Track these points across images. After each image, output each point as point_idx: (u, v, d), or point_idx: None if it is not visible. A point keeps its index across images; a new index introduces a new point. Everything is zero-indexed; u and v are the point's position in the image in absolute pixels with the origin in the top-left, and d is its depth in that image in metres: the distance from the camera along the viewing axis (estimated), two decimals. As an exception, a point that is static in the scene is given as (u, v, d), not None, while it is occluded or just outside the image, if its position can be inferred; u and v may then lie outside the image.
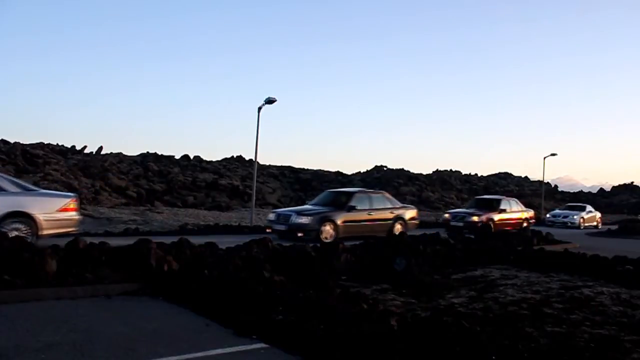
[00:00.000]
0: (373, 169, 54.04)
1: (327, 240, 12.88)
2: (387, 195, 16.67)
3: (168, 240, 9.40)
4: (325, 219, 13.77)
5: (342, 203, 14.74)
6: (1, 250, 7.07)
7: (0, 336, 4.80)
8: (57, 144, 39.07)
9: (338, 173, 50.82)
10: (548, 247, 13.47)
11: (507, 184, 55.88)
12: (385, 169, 53.45)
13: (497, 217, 19.46)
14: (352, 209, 14.49)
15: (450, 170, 59.08)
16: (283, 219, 14.02)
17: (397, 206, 16.24)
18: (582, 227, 24.69)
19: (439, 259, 10.07)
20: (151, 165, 39.11)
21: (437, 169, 58.09)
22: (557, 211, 29.29)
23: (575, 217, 26.82)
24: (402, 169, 53.39)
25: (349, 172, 52.22)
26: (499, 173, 61.51)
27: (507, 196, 23.68)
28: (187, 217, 20.87)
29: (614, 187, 61.99)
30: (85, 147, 40.21)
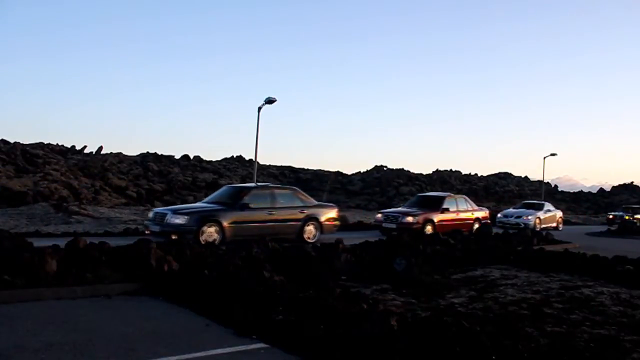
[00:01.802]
0: (373, 169, 54.06)
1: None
2: (299, 192, 14.52)
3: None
4: (207, 219, 11.72)
5: (234, 201, 12.67)
6: (1, 250, 7.07)
7: (0, 336, 4.80)
8: (57, 144, 39.13)
9: (338, 173, 50.84)
10: (548, 247, 13.46)
11: (507, 184, 55.90)
12: (385, 169, 53.47)
13: (437, 217, 17.18)
14: (245, 207, 12.38)
15: (450, 170, 59.11)
16: (159, 218, 11.99)
17: (310, 204, 13.98)
18: (538, 229, 21.01)
19: (439, 259, 10.07)
20: (151, 165, 39.14)
21: (437, 169, 58.16)
22: (509, 210, 25.88)
23: (529, 217, 23.02)
24: (402, 169, 53.45)
25: (349, 172, 52.26)
26: (499, 173, 61.52)
27: (466, 194, 21.35)
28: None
29: (614, 187, 62.00)
30: (85, 147, 40.30)
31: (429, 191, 45.57)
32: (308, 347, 4.65)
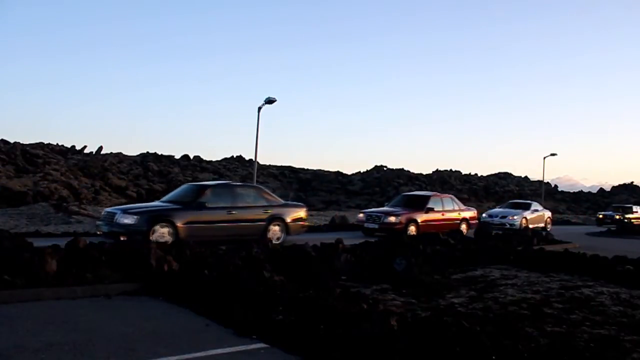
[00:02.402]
0: (373, 169, 54.08)
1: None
2: (264, 190, 13.80)
3: (168, 240, 9.41)
4: (158, 219, 10.99)
5: (191, 200, 11.95)
6: (1, 250, 7.07)
7: (0, 336, 4.80)
8: (57, 144, 39.14)
9: (338, 173, 50.85)
10: (548, 247, 13.47)
11: (507, 184, 55.93)
12: (385, 169, 53.49)
13: (421, 217, 16.64)
14: (202, 206, 11.65)
15: (450, 170, 59.13)
16: (109, 218, 11.32)
17: (276, 204, 13.23)
18: (524, 229, 20.14)
19: (439, 259, 10.07)
20: (151, 165, 39.15)
21: (437, 169, 58.19)
22: (494, 210, 24.96)
23: (515, 217, 22.00)
24: (402, 169, 53.48)
25: (349, 172, 52.27)
26: (499, 173, 61.56)
27: (451, 194, 20.48)
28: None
29: (613, 187, 62.03)
30: (85, 147, 40.31)
31: (429, 191, 45.63)
32: (308, 347, 4.65)
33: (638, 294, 7.70)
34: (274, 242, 11.71)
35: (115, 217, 11.02)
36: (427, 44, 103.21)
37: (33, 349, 4.48)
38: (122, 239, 10.17)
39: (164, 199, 13.32)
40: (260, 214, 12.58)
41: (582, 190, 63.82)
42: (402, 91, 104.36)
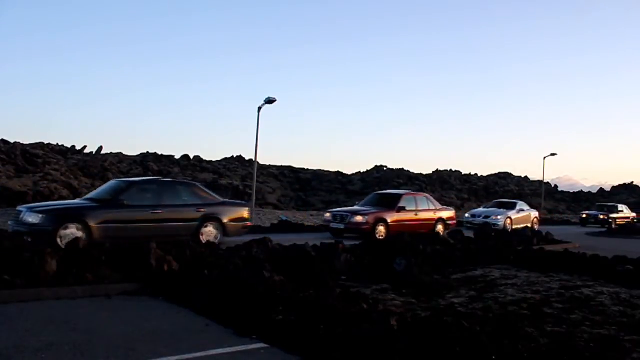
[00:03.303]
0: (373, 169, 54.05)
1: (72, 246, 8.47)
2: (199, 187, 12.77)
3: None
4: (67, 218, 10.13)
5: (110, 197, 11.05)
6: (1, 250, 7.07)
7: (0, 336, 4.80)
8: (57, 144, 39.10)
9: (338, 173, 50.83)
10: (548, 247, 13.47)
11: (507, 184, 55.93)
12: (385, 169, 53.46)
13: (391, 217, 15.75)
14: (120, 205, 10.74)
15: (450, 170, 59.08)
16: (16, 215, 10.65)
17: (211, 202, 12.16)
18: (509, 230, 19.33)
19: (439, 259, 10.07)
20: (151, 165, 39.14)
21: (437, 169, 58.11)
22: (478, 210, 24.03)
23: (499, 217, 21.12)
24: (402, 169, 53.43)
25: (349, 172, 52.24)
26: (499, 173, 61.52)
27: (430, 193, 19.87)
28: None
29: (614, 187, 61.99)
30: (85, 147, 40.26)
31: (428, 191, 45.63)
32: (308, 347, 4.65)
33: (638, 294, 7.69)
34: (211, 241, 10.96)
35: (21, 215, 10.30)
36: (427, 44, 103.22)
37: (33, 349, 4.48)
38: (27, 239, 9.11)
39: (86, 196, 12.57)
40: (191, 214, 11.62)
41: (582, 190, 63.82)
42: (402, 91, 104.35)
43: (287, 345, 4.75)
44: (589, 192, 62.34)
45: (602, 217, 29.84)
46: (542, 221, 24.75)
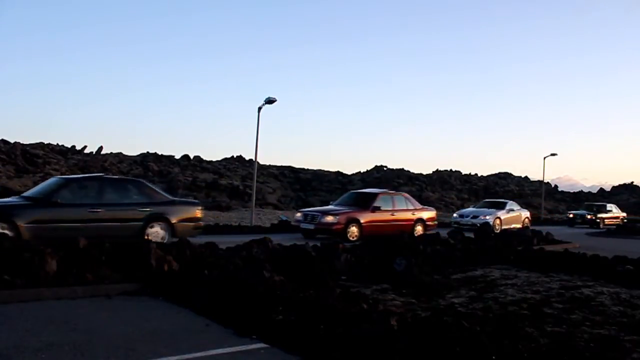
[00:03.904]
0: (373, 169, 54.06)
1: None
2: (146, 185, 12.08)
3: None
4: None
5: (45, 195, 10.50)
6: (1, 250, 7.07)
7: (0, 336, 4.80)
8: (57, 144, 39.11)
9: (338, 173, 50.83)
10: (548, 247, 13.48)
11: (507, 184, 55.92)
12: (385, 169, 53.46)
13: (365, 217, 15.06)
14: (53, 203, 10.15)
15: (450, 170, 59.07)
16: None
17: (158, 201, 11.40)
18: (497, 230, 18.68)
19: (439, 259, 10.07)
20: (151, 165, 39.15)
21: (437, 169, 58.09)
22: (466, 210, 23.45)
23: (487, 217, 20.55)
24: (402, 169, 53.41)
25: (349, 172, 52.23)
26: (499, 173, 61.52)
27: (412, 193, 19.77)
28: (187, 217, 20.81)
29: (614, 187, 61.98)
30: (85, 147, 40.25)
31: (428, 191, 45.55)
32: (308, 347, 4.65)
33: (638, 294, 7.70)
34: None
35: None
36: (427, 44, 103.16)
37: (33, 349, 4.48)
38: None
39: (24, 194, 11.93)
40: (134, 213, 10.90)
41: (582, 190, 63.80)
42: (402, 91, 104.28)
43: (287, 345, 4.75)
44: (589, 192, 62.33)
45: (589, 217, 28.91)
46: (532, 221, 24.16)
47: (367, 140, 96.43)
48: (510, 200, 26.15)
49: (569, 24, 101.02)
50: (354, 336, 4.70)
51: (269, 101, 19.74)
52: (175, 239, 10.33)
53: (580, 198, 57.63)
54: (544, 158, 36.11)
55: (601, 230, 26.31)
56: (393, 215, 15.92)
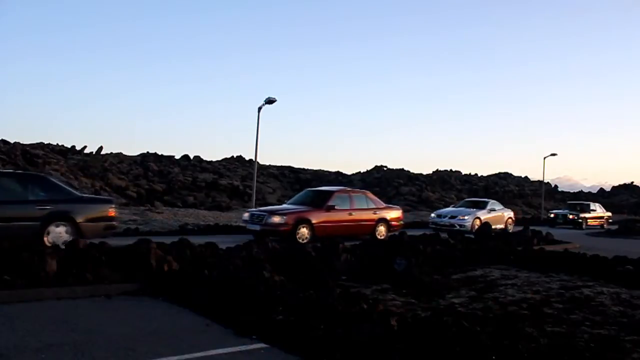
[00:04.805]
0: (373, 169, 54.09)
1: None
2: (51, 180, 11.11)
3: (168, 240, 9.42)
4: None
5: None
6: (1, 250, 7.07)
7: (0, 336, 4.80)
8: (57, 144, 39.07)
9: (338, 173, 50.84)
10: (548, 247, 13.47)
11: (507, 184, 55.91)
12: (385, 169, 53.48)
13: (317, 217, 13.92)
14: None
15: (450, 170, 59.08)
16: None
17: (62, 199, 10.33)
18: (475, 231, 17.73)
19: (439, 259, 10.07)
20: (151, 165, 39.17)
21: (437, 169, 58.10)
22: (445, 210, 22.20)
23: (466, 217, 19.27)
24: (402, 169, 53.43)
25: (349, 172, 52.25)
26: (499, 173, 61.51)
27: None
28: (187, 217, 20.88)
29: (614, 187, 62.03)
30: (85, 147, 40.19)
31: (428, 191, 45.55)
32: (308, 347, 4.65)
33: (638, 294, 7.70)
34: (60, 245, 8.92)
35: None
36: (428, 44, 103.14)
37: (33, 349, 4.48)
38: None
39: None
40: (31, 212, 9.81)
41: (582, 190, 63.79)
42: (402, 91, 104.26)
43: (287, 345, 4.75)
44: (589, 192, 62.35)
45: (571, 217, 27.29)
46: (515, 221, 22.69)
47: (367, 140, 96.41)
48: (493, 200, 24.44)
49: (569, 24, 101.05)
50: (354, 336, 4.70)
51: (269, 101, 19.76)
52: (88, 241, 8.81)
53: (580, 198, 57.63)
54: (544, 158, 36.12)
55: (600, 230, 26.15)
56: (351, 215, 14.82)
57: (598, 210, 28.99)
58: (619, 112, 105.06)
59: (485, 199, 23.64)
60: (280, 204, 17.40)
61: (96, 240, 8.48)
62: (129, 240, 8.85)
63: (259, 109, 20.10)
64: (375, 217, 15.44)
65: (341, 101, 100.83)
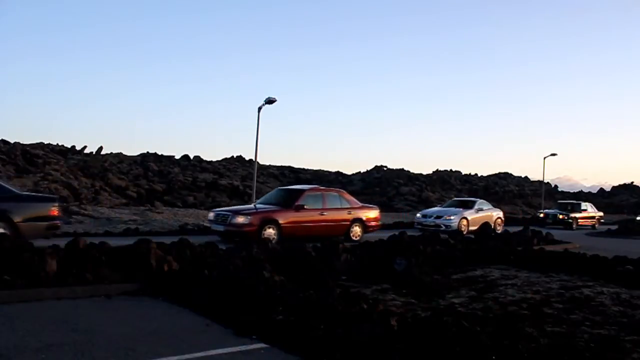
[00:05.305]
0: (373, 169, 54.04)
1: None
2: None
3: (168, 240, 9.41)
4: None
5: None
6: (1, 250, 7.07)
7: (0, 336, 4.80)
8: (57, 144, 39.06)
9: (338, 173, 50.84)
10: (548, 247, 13.48)
11: (507, 184, 55.89)
12: (385, 169, 53.44)
13: (285, 218, 13.31)
14: None
15: (450, 170, 59.06)
16: None
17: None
18: (464, 232, 17.45)
19: (439, 259, 10.08)
20: (151, 165, 39.15)
21: (437, 169, 58.06)
22: (431, 209, 21.58)
23: (452, 217, 18.75)
24: (402, 169, 53.40)
25: (349, 172, 52.24)
26: (499, 173, 61.48)
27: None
28: (187, 217, 20.87)
29: (614, 187, 62.00)
30: (85, 147, 40.18)
31: (428, 191, 45.53)
32: (308, 347, 4.65)
33: (638, 294, 7.70)
34: None
35: None
36: (427, 44, 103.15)
37: (33, 349, 4.48)
38: None
39: None
40: None
41: (582, 190, 63.77)
42: (402, 91, 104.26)
43: (287, 345, 4.75)
44: (589, 192, 62.36)
45: (561, 216, 26.52)
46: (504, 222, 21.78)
47: (367, 140, 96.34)
48: (482, 199, 23.73)
49: (569, 24, 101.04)
50: (354, 336, 4.70)
51: (269, 101, 19.77)
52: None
53: (580, 198, 57.61)
54: (544, 158, 36.16)
55: (601, 230, 26.06)
56: (322, 215, 14.13)
57: (589, 210, 28.41)
58: (619, 112, 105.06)
59: (474, 199, 23.03)
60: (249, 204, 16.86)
61: (96, 240, 8.49)
62: (129, 240, 8.86)
63: (259, 109, 20.11)
64: (349, 217, 14.82)
65: (341, 101, 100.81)
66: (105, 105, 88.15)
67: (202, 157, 45.73)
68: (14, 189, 10.36)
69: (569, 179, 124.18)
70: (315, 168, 51.96)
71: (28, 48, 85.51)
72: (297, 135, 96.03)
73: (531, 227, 17.32)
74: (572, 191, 62.64)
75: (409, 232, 12.82)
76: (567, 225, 25.94)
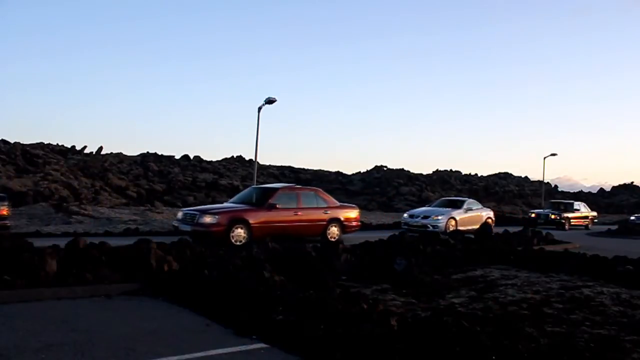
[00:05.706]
0: (373, 169, 54.04)
1: None
2: None
3: (168, 240, 9.42)
4: None
5: None
6: (1, 250, 7.07)
7: (0, 336, 4.80)
8: (57, 144, 39.09)
9: (338, 173, 50.85)
10: (548, 247, 13.47)
11: (507, 184, 55.91)
12: (385, 169, 53.45)
13: (256, 217, 12.69)
14: None
15: (450, 170, 59.06)
16: None
17: None
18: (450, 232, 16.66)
19: (439, 259, 10.07)
20: (151, 165, 39.16)
21: (437, 169, 58.08)
22: (418, 209, 20.81)
23: (439, 217, 18.06)
24: (402, 169, 53.41)
25: (349, 172, 52.24)
26: (499, 173, 61.49)
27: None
28: (187, 217, 20.83)
29: (614, 187, 61.97)
30: (85, 147, 40.22)
31: (428, 191, 45.54)
32: (308, 347, 4.65)
33: (638, 294, 7.69)
34: None
35: None
36: (427, 44, 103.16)
37: (33, 349, 4.49)
38: None
39: None
40: None
41: (582, 190, 63.75)
42: (402, 91, 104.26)
43: (287, 345, 4.75)
44: (589, 192, 62.36)
45: (552, 217, 25.61)
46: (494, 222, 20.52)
47: (367, 140, 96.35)
48: (472, 199, 22.95)
49: (569, 24, 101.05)
50: (354, 336, 4.70)
51: (269, 101, 19.78)
52: None
53: (580, 198, 57.60)
54: (544, 158, 36.17)
55: (601, 230, 25.98)
56: (297, 214, 13.47)
57: (582, 210, 27.51)
58: (619, 112, 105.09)
59: (463, 198, 22.31)
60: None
61: (96, 240, 8.49)
62: (129, 240, 8.86)
63: (259, 109, 20.12)
64: (326, 217, 14.09)
65: (341, 101, 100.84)
66: (105, 105, 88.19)
67: (202, 157, 45.79)
68: None
69: (569, 179, 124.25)
70: (315, 168, 52.00)
71: (28, 48, 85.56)
72: (297, 135, 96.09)
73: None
74: (572, 191, 62.63)
75: (396, 233, 12.44)
76: (559, 225, 24.99)
